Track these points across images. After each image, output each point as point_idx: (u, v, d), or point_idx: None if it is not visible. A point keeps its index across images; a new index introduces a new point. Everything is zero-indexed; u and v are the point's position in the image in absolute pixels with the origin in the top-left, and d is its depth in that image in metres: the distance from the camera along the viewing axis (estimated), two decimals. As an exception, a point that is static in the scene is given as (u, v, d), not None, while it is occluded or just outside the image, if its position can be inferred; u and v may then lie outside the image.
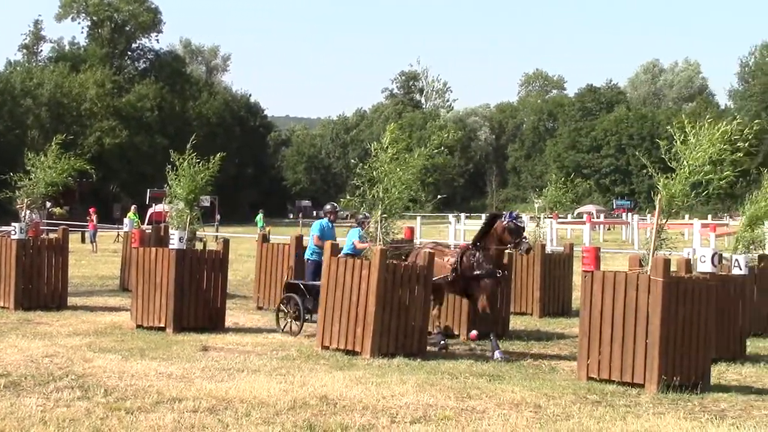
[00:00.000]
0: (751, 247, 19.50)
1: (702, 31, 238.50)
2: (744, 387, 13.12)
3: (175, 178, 18.36)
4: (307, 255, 19.21)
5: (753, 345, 16.84)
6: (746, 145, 13.59)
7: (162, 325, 17.45)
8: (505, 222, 15.98)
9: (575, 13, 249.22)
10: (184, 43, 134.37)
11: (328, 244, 16.17)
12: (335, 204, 19.79)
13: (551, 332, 18.66)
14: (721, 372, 14.14)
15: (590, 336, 13.07)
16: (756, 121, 15.14)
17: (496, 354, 15.16)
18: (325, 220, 19.08)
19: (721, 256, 17.37)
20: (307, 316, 17.30)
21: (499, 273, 16.12)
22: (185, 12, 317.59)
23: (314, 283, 17.38)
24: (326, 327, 15.37)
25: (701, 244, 37.97)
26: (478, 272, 15.91)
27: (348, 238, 17.54)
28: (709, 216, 70.13)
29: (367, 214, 16.64)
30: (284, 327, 17.58)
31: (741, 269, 16.90)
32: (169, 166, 18.51)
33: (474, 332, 16.59)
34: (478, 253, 16.08)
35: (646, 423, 10.29)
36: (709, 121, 13.66)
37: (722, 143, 13.23)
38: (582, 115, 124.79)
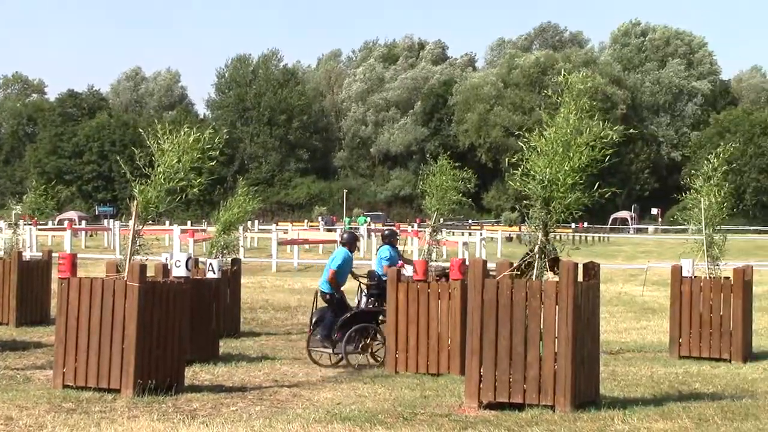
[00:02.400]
0: (225, 251, 20.25)
1: (183, 41, 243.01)
2: (216, 386, 13.51)
3: None
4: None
5: (226, 345, 17.43)
6: (220, 153, 14.03)
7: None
8: None
9: (53, 16, 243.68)
10: None
11: None
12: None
13: (28, 341, 18.03)
14: (196, 373, 14.46)
15: (66, 344, 12.79)
16: (229, 130, 15.64)
17: None
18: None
19: (196, 261, 17.86)
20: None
21: None
22: None
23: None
24: None
25: (180, 249, 38.79)
26: None
27: (378, 256, 17.51)
28: (189, 222, 71.78)
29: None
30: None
31: (215, 273, 17.40)
32: None
33: None
34: None
35: (120, 427, 10.29)
36: (186, 129, 13.87)
37: (197, 151, 13.49)
38: (63, 120, 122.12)
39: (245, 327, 20.69)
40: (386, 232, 18.58)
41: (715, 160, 17.74)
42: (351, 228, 66.11)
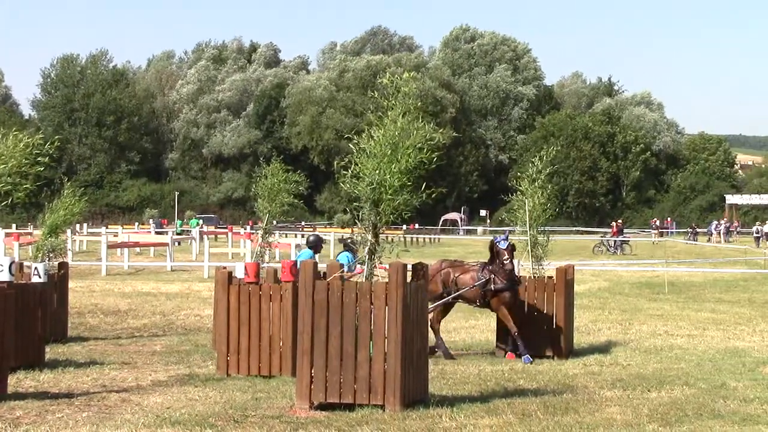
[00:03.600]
0: (51, 255, 19.73)
1: (6, 40, 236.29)
2: (41, 393, 13.12)
3: None
4: None
5: (52, 351, 16.97)
6: (48, 156, 13.69)
7: None
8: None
9: None
10: None
11: None
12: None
13: None
14: (20, 380, 14.01)
15: None
16: (58, 133, 15.31)
17: (524, 358, 16.72)
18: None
19: (21, 265, 17.35)
20: None
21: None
22: None
23: None
24: None
25: (5, 253, 37.62)
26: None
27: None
28: (14, 225, 69.91)
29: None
30: None
31: (40, 277, 16.93)
32: None
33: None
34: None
35: (-60, 437, 9.94)
36: (15, 131, 13.53)
37: (25, 155, 13.17)
38: None
39: (73, 332, 20.18)
40: (348, 239, 18.73)
41: (539, 163, 18.25)
42: (183, 230, 65.39)
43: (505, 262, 17.17)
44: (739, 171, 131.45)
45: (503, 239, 17.56)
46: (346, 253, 17.75)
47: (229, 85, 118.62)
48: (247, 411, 11.74)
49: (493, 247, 17.62)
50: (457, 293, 17.77)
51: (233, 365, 14.94)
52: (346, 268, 15.78)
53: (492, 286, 17.44)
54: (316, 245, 18.02)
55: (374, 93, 12.89)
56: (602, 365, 16.51)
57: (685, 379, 14.81)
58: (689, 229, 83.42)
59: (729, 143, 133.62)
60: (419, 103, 12.59)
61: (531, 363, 16.49)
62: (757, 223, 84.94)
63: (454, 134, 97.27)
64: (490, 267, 17.57)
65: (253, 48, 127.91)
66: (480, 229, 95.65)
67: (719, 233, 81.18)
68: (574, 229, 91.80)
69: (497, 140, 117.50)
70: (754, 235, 76.93)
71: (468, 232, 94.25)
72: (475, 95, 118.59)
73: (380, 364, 11.67)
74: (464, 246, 67.17)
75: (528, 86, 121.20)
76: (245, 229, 56.55)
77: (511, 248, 17.31)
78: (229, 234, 55.05)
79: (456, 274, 17.93)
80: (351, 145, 12.55)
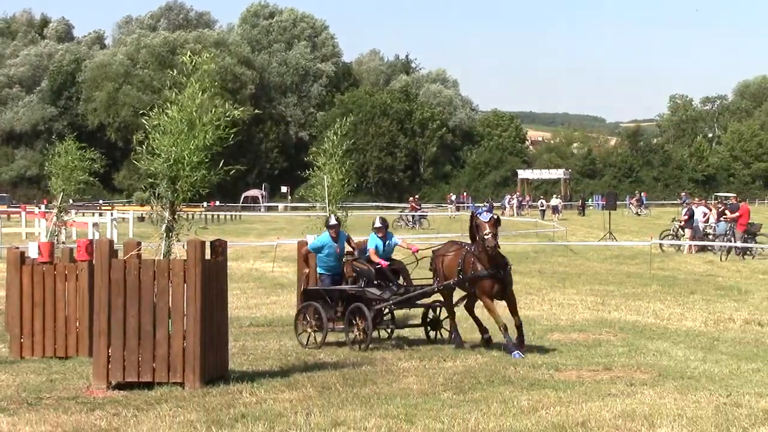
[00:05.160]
0: None
1: None
2: None
3: None
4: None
5: None
6: None
7: None
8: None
9: None
10: None
11: None
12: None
13: None
14: None
15: None
16: None
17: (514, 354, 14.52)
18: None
19: None
20: (331, 325, 16.17)
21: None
22: None
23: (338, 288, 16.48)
24: None
25: None
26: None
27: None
28: None
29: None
30: (307, 340, 16.16)
31: None
32: None
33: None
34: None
35: None
36: None
37: None
38: None
39: None
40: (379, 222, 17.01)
41: (335, 138, 18.35)
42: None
43: (485, 237, 14.89)
44: (530, 147, 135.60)
45: (485, 210, 15.69)
46: (374, 235, 16.68)
47: (21, 59, 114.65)
48: (42, 393, 11.51)
49: (473, 219, 15.63)
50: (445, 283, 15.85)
51: (27, 347, 14.61)
52: (374, 248, 16.55)
53: (470, 273, 15.33)
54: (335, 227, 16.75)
55: (172, 71, 12.76)
56: (400, 338, 16.87)
57: (479, 349, 15.30)
58: (485, 203, 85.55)
59: (520, 120, 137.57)
60: (217, 81, 12.55)
61: (522, 357, 14.33)
62: (541, 197, 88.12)
63: (255, 111, 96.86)
64: (472, 249, 15.44)
65: (45, 22, 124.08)
66: (281, 205, 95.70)
67: (512, 207, 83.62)
68: (374, 204, 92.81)
69: (297, 117, 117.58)
70: (540, 208, 79.79)
71: (269, 209, 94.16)
72: (275, 72, 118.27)
73: (179, 342, 11.63)
74: (265, 223, 67.12)
75: (327, 63, 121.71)
76: (39, 208, 54.75)
77: (494, 221, 15.18)
78: (23, 213, 53.29)
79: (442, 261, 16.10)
80: (145, 122, 12.40)
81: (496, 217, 15.22)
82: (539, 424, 9.67)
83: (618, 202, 58.50)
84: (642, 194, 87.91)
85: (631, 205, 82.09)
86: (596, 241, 42.93)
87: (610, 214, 48.10)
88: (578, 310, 20.99)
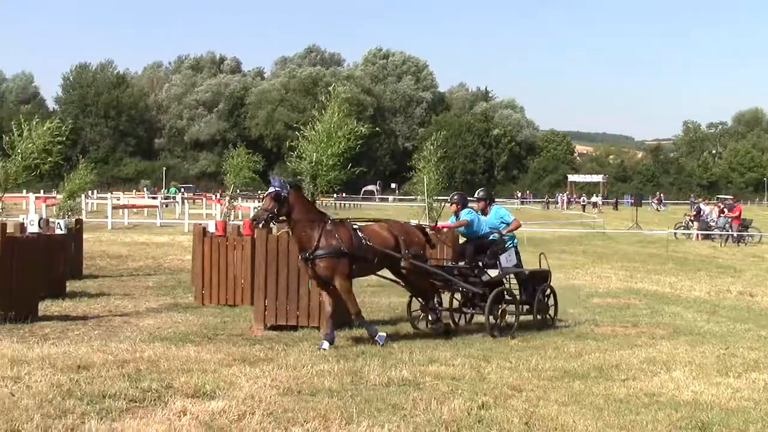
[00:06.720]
0: (70, 213, 19.43)
1: (35, 51, 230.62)
2: (63, 316, 12.95)
3: None
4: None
5: (71, 285, 16.63)
6: (66, 138, 13.50)
7: None
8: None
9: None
10: None
11: None
12: None
13: None
14: (47, 306, 13.77)
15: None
16: (73, 121, 15.08)
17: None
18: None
19: (47, 221, 17.02)
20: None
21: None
22: None
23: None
24: None
25: (35, 212, 36.74)
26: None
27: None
28: (42, 190, 68.20)
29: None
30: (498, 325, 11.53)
31: (62, 230, 16.66)
32: None
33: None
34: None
35: (-14, 349, 9.75)
36: (37, 120, 13.35)
37: (49, 137, 12.99)
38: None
39: (86, 271, 19.82)
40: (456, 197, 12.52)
41: (431, 147, 18.32)
42: (168, 196, 64.39)
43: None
44: (577, 157, 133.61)
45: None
46: (469, 209, 12.41)
47: (205, 87, 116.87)
48: (217, 330, 11.73)
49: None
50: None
51: (207, 297, 14.86)
52: (473, 218, 12.20)
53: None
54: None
55: (317, 96, 12.92)
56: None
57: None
58: (544, 200, 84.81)
59: (570, 137, 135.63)
60: (347, 106, 12.64)
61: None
62: (583, 195, 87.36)
63: (374, 128, 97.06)
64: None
65: (222, 59, 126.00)
66: (391, 197, 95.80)
67: (563, 202, 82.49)
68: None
69: (404, 132, 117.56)
70: (581, 203, 78.80)
71: (382, 200, 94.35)
72: (388, 98, 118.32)
73: (316, 296, 11.72)
74: (379, 210, 67.26)
75: (426, 92, 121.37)
76: (216, 196, 55.78)
77: (273, 196, 10.40)
78: (204, 199, 54.37)
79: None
80: (297, 133, 12.54)
81: (273, 192, 10.42)
82: (583, 365, 9.53)
83: (643, 201, 57.30)
84: (661, 195, 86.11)
85: (652, 203, 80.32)
86: (626, 230, 42.12)
87: (636, 209, 47.25)
88: (612, 281, 20.62)
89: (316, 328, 11.59)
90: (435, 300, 11.79)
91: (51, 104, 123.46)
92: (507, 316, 11.84)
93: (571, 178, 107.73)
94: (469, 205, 12.57)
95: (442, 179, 19.05)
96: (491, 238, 12.24)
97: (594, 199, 78.47)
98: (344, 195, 79.23)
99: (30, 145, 12.77)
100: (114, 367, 8.36)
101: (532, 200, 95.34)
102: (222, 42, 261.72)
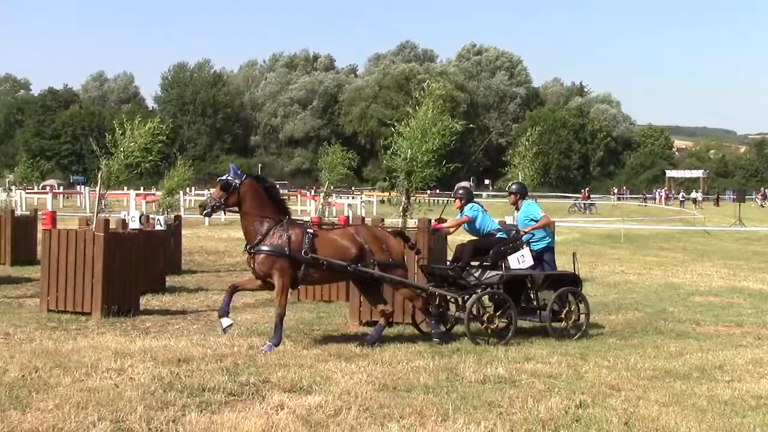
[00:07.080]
0: (169, 209, 19.93)
1: (135, 51, 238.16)
2: (163, 310, 13.30)
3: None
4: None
5: (171, 280, 17.11)
6: (165, 137, 13.83)
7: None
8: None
9: (38, 25, 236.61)
10: None
11: None
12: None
13: (21, 277, 17.33)
14: (148, 300, 14.16)
15: (50, 278, 12.52)
16: (171, 119, 15.42)
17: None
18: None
19: (148, 217, 17.54)
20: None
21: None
22: None
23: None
24: None
25: (135, 209, 37.89)
26: None
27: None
28: (142, 188, 70.44)
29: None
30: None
31: (162, 226, 17.11)
32: None
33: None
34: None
35: (91, 341, 10.05)
36: (139, 119, 13.70)
37: (148, 136, 13.32)
38: (44, 110, 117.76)
39: (185, 266, 20.34)
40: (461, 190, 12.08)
41: (526, 143, 18.06)
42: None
43: None
44: (676, 152, 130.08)
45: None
46: (473, 204, 12.00)
47: (299, 85, 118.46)
48: (313, 326, 11.85)
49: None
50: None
51: (303, 292, 14.95)
52: (475, 214, 11.77)
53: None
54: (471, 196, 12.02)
55: (411, 93, 12.93)
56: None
57: (636, 305, 14.78)
58: (641, 195, 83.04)
59: (669, 132, 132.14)
60: (442, 101, 12.57)
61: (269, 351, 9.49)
62: (682, 191, 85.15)
63: (468, 125, 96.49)
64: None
65: (315, 57, 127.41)
66: (485, 194, 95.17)
67: (661, 198, 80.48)
68: (554, 194, 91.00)
69: (497, 128, 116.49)
70: (679, 199, 76.81)
71: (476, 195, 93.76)
72: (482, 94, 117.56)
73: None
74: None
75: (520, 88, 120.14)
76: (310, 192, 56.46)
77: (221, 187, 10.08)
78: (299, 196, 55.12)
79: None
80: (392, 129, 12.54)
81: (224, 181, 10.05)
82: (685, 365, 9.25)
83: (746, 197, 55.38)
84: (765, 191, 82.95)
85: (756, 199, 77.57)
86: (728, 226, 40.72)
87: (740, 205, 45.64)
88: (714, 279, 19.97)
89: (409, 324, 11.58)
90: (436, 306, 10.80)
91: (150, 103, 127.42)
92: (497, 321, 10.51)
93: (670, 173, 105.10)
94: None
95: (537, 175, 18.75)
96: (498, 236, 11.18)
97: (693, 195, 76.26)
98: (438, 191, 79.17)
99: (132, 144, 13.14)
100: (213, 361, 8.54)
101: (628, 196, 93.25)
102: (315, 40, 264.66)
